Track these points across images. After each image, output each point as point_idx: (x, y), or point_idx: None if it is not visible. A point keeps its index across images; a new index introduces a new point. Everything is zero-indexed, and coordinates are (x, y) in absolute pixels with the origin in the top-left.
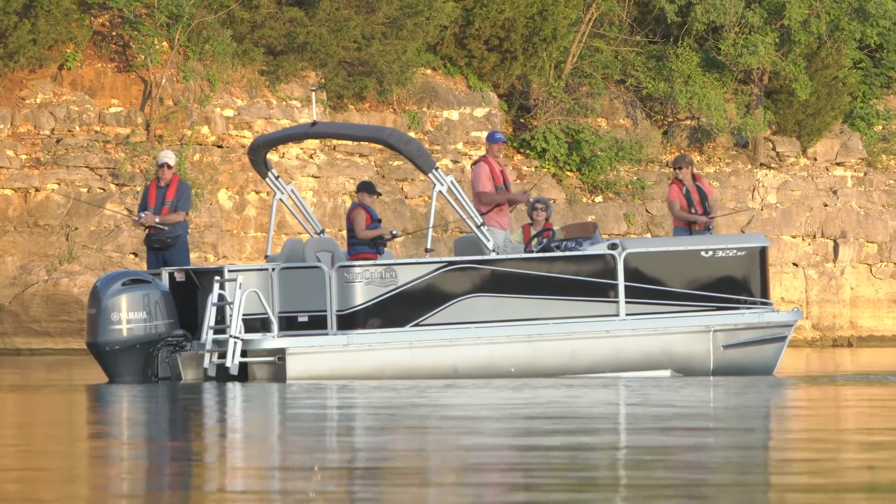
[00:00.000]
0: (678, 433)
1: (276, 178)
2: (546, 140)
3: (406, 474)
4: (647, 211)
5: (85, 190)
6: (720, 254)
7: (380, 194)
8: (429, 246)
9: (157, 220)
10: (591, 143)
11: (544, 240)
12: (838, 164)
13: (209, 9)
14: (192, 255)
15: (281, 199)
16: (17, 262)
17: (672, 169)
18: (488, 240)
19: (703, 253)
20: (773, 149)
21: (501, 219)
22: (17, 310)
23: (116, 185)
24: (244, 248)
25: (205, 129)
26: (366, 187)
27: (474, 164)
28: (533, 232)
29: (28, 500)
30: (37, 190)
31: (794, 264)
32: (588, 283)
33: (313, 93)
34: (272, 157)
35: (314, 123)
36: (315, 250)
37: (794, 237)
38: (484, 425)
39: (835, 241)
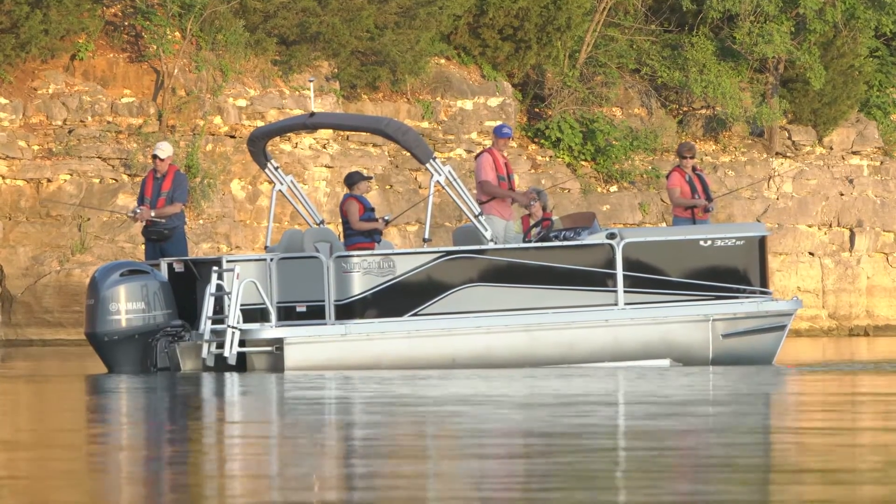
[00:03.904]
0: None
1: (276, 168)
2: (560, 130)
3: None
4: (662, 200)
5: (97, 181)
6: (719, 243)
7: (370, 178)
8: (427, 236)
9: (152, 213)
10: (605, 132)
11: (543, 230)
12: (854, 153)
13: None
14: (206, 245)
15: (280, 191)
16: (29, 252)
17: (678, 157)
18: (486, 229)
19: (701, 242)
20: (789, 138)
21: (503, 209)
22: (29, 300)
23: (129, 175)
24: (257, 239)
25: (217, 120)
26: (354, 177)
27: (478, 155)
28: (532, 222)
29: None
30: (49, 181)
31: (811, 253)
32: (587, 273)
33: (311, 83)
34: (285, 147)
35: (312, 114)
36: (313, 241)
37: (810, 226)
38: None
39: (851, 230)
